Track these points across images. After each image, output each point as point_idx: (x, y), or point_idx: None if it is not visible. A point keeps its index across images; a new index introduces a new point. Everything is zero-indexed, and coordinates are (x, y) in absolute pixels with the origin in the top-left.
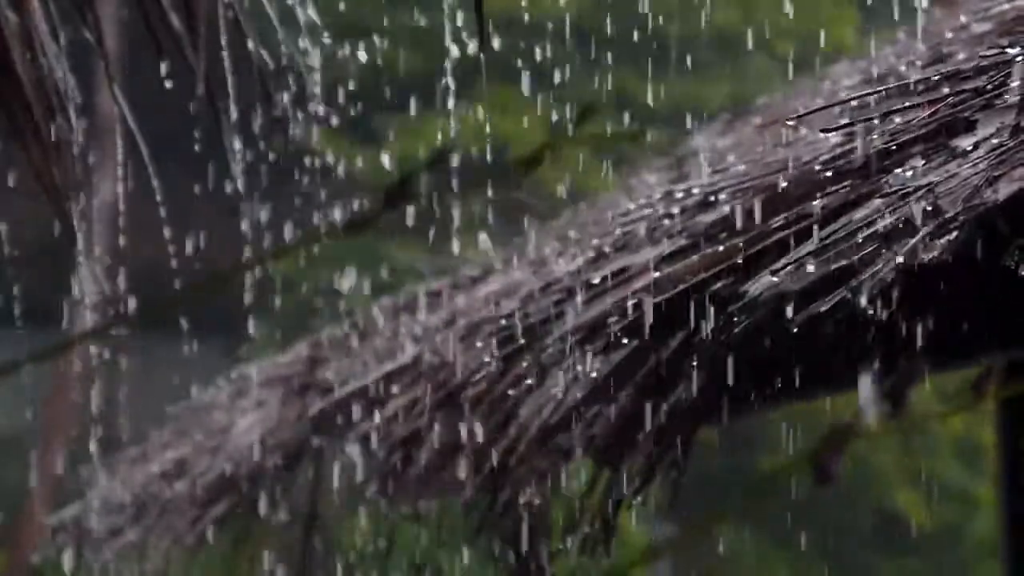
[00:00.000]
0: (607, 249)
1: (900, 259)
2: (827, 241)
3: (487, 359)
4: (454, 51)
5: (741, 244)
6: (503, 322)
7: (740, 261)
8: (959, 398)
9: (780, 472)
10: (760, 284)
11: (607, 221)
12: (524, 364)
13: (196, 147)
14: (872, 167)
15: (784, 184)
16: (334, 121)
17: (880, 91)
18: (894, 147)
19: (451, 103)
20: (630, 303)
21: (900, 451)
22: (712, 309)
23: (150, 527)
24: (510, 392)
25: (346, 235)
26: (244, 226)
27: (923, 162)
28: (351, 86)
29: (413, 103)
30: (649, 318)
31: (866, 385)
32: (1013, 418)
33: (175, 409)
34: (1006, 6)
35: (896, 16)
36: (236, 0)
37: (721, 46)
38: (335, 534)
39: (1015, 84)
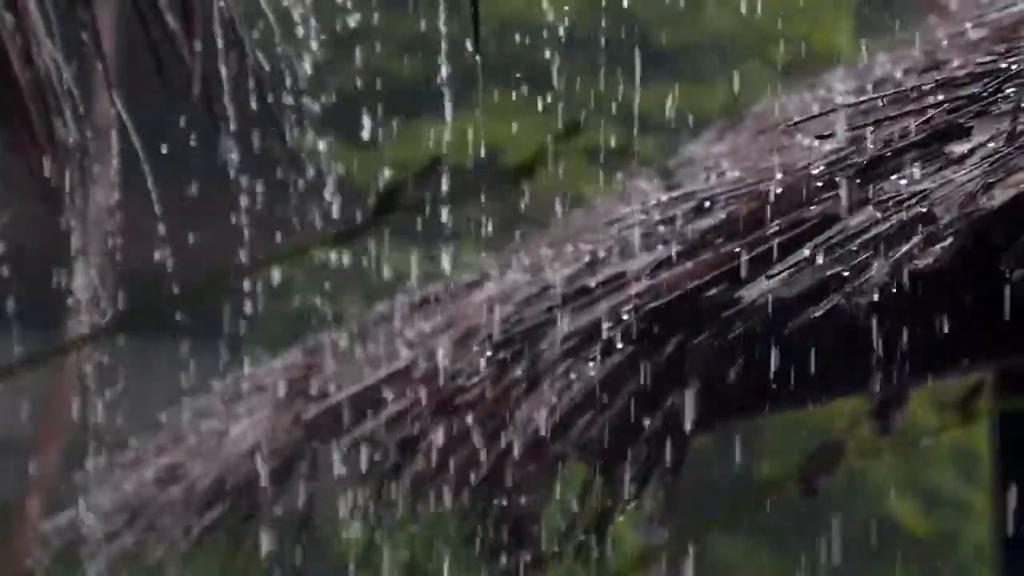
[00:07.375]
0: (602, 255)
1: (895, 266)
2: (822, 247)
3: (481, 365)
4: (449, 57)
5: (736, 250)
6: (498, 328)
7: (735, 267)
8: (950, 415)
9: (772, 484)
10: (755, 290)
11: (602, 227)
12: (519, 370)
13: (192, 149)
14: (867, 173)
15: (779, 190)
16: (328, 123)
17: (875, 98)
18: (889, 154)
19: (447, 109)
20: (625, 309)
21: (895, 459)
22: (707, 315)
23: (144, 532)
24: (505, 398)
25: (338, 245)
26: (240, 229)
27: (918, 169)
28: (347, 90)
29: (409, 108)
30: (644, 324)
31: None
32: (1008, 426)
33: (170, 414)
34: (1001, 13)
35: (891, 23)
36: (231, 2)
37: (716, 53)
38: (329, 540)
39: (1010, 90)
